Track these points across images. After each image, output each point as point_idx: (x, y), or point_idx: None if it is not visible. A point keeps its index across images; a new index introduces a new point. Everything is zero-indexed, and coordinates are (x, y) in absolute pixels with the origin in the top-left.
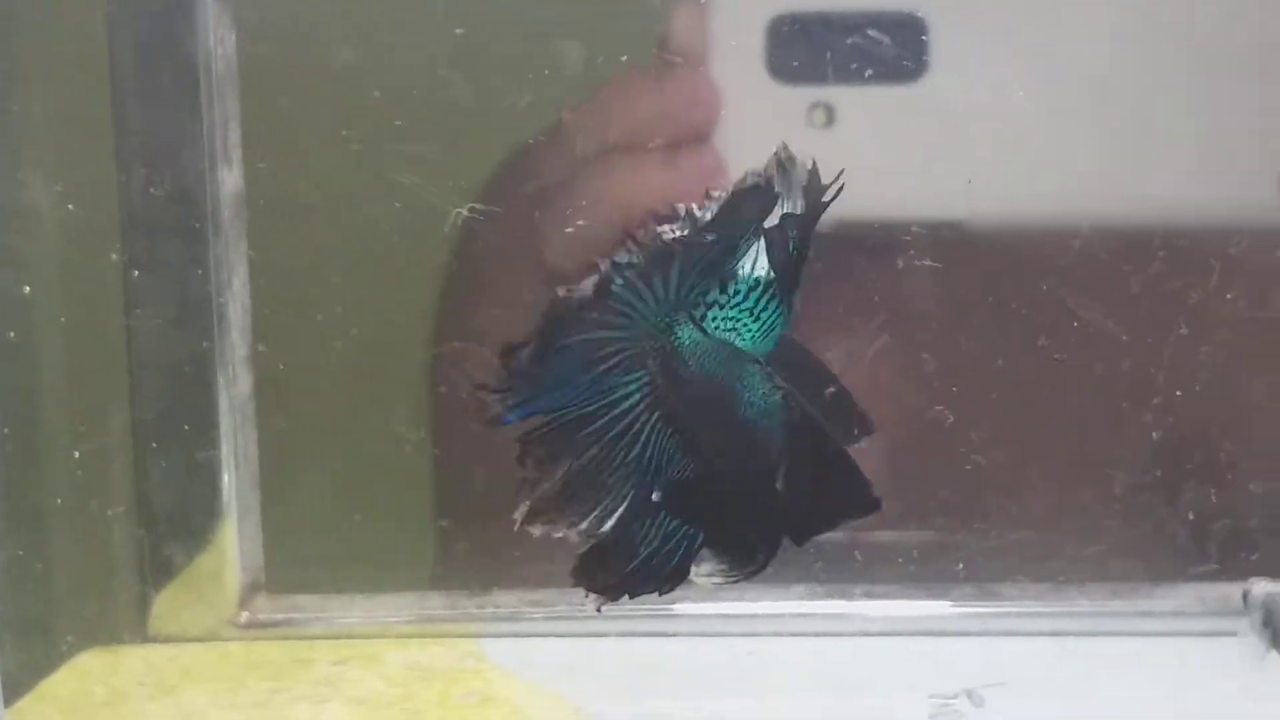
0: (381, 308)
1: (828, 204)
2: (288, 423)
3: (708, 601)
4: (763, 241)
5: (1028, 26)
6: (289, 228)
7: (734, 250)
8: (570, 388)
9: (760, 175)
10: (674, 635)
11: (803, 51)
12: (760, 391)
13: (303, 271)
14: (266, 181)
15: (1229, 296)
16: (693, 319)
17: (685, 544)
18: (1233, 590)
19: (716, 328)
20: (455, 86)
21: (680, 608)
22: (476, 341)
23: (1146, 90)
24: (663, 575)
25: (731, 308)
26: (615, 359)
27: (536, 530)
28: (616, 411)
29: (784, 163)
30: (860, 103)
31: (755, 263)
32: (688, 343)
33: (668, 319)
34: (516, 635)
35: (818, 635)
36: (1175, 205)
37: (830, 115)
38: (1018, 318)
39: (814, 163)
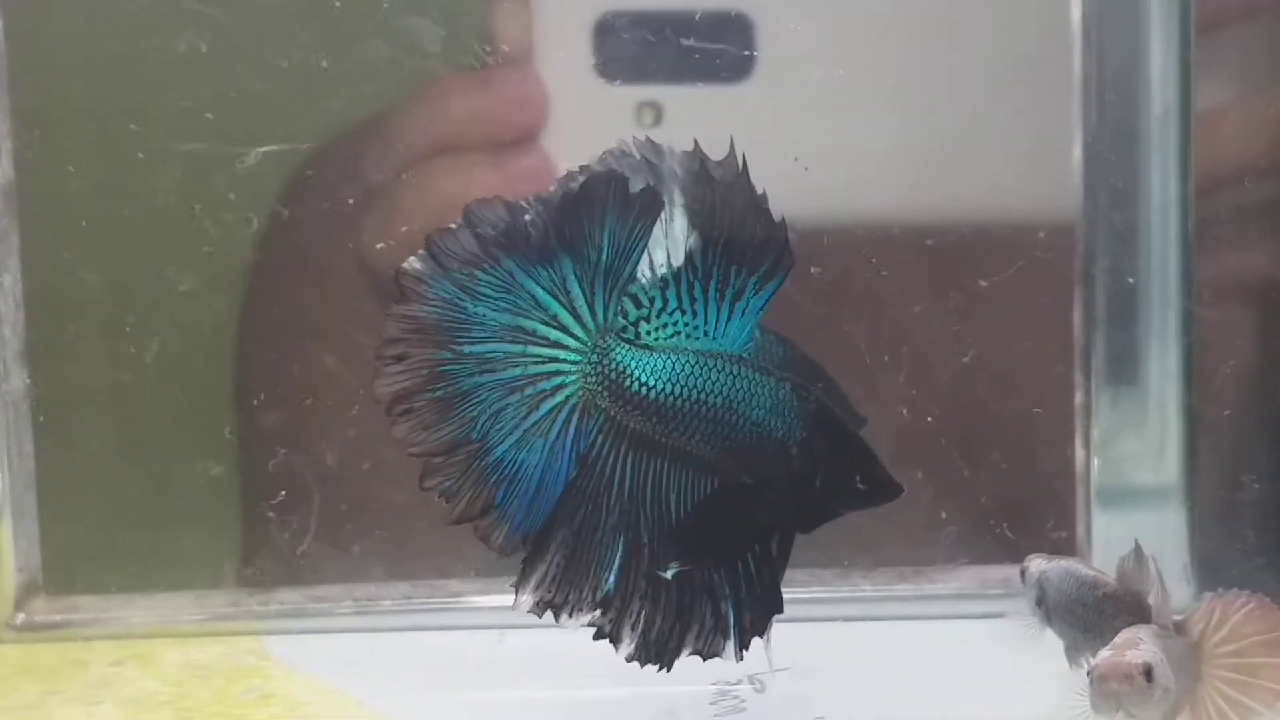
0: (171, 301)
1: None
2: (66, 420)
3: (492, 594)
4: (663, 242)
5: (853, 28)
6: (64, 220)
7: (627, 257)
8: (548, 482)
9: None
10: (457, 629)
11: (630, 51)
12: (766, 388)
13: (82, 263)
14: (39, 172)
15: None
16: (625, 339)
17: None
18: (1013, 572)
19: (657, 339)
20: (251, 72)
21: (463, 600)
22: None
23: (964, 92)
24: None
25: (657, 315)
26: (564, 416)
27: (567, 624)
28: (586, 464)
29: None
30: (688, 102)
31: (653, 263)
32: (634, 363)
33: (597, 351)
34: (300, 632)
35: None
36: (983, 204)
37: (658, 114)
38: (817, 311)
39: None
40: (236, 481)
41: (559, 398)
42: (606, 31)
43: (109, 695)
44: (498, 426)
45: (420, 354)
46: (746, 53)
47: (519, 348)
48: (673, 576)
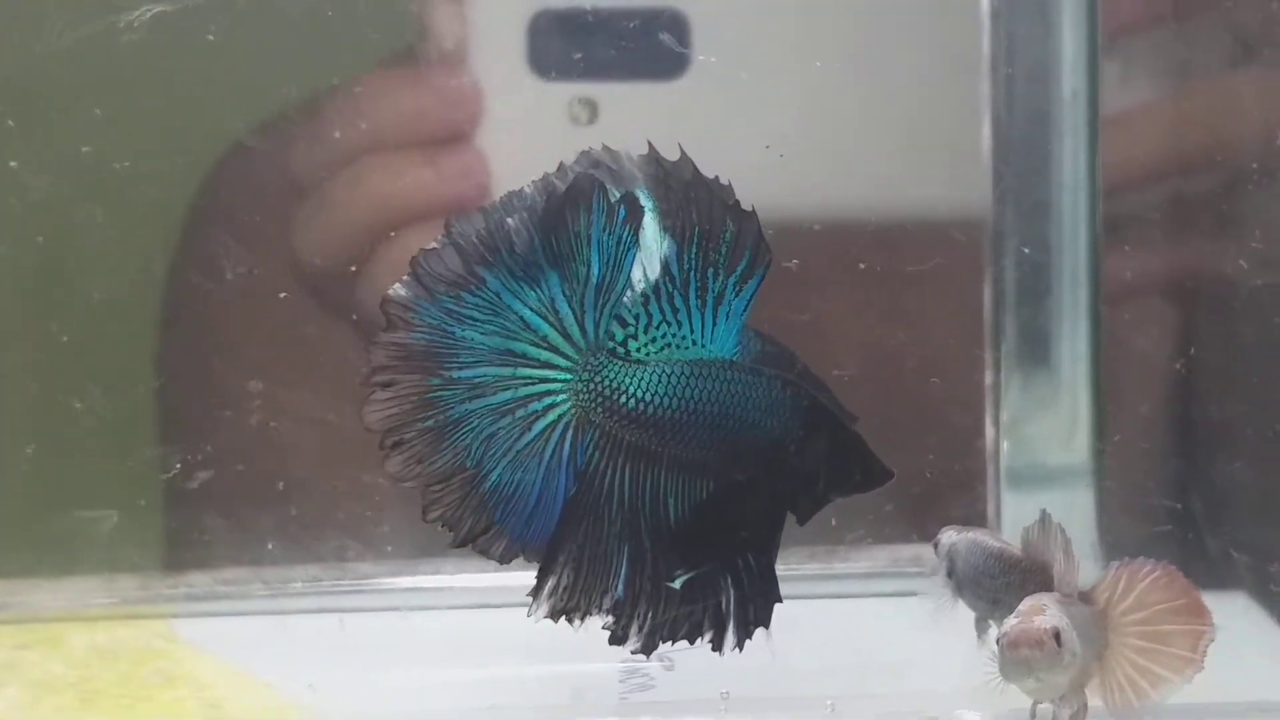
0: (85, 280)
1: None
2: None
3: (401, 575)
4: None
5: (787, 27)
6: None
7: (618, 268)
8: (546, 498)
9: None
10: (367, 610)
11: (565, 48)
12: (759, 389)
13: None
14: None
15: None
16: (617, 355)
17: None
18: (924, 551)
19: (647, 354)
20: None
21: (373, 582)
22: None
23: (873, 74)
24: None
25: (644, 331)
26: (558, 435)
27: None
28: (584, 479)
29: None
30: (622, 99)
31: (635, 280)
32: (627, 379)
33: (588, 369)
34: (209, 615)
35: (511, 606)
36: (891, 186)
37: (593, 111)
38: None
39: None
40: (145, 465)
41: (551, 417)
42: (541, 28)
43: (14, 678)
44: (491, 452)
45: (408, 381)
46: (684, 51)
47: (509, 370)
48: (680, 585)
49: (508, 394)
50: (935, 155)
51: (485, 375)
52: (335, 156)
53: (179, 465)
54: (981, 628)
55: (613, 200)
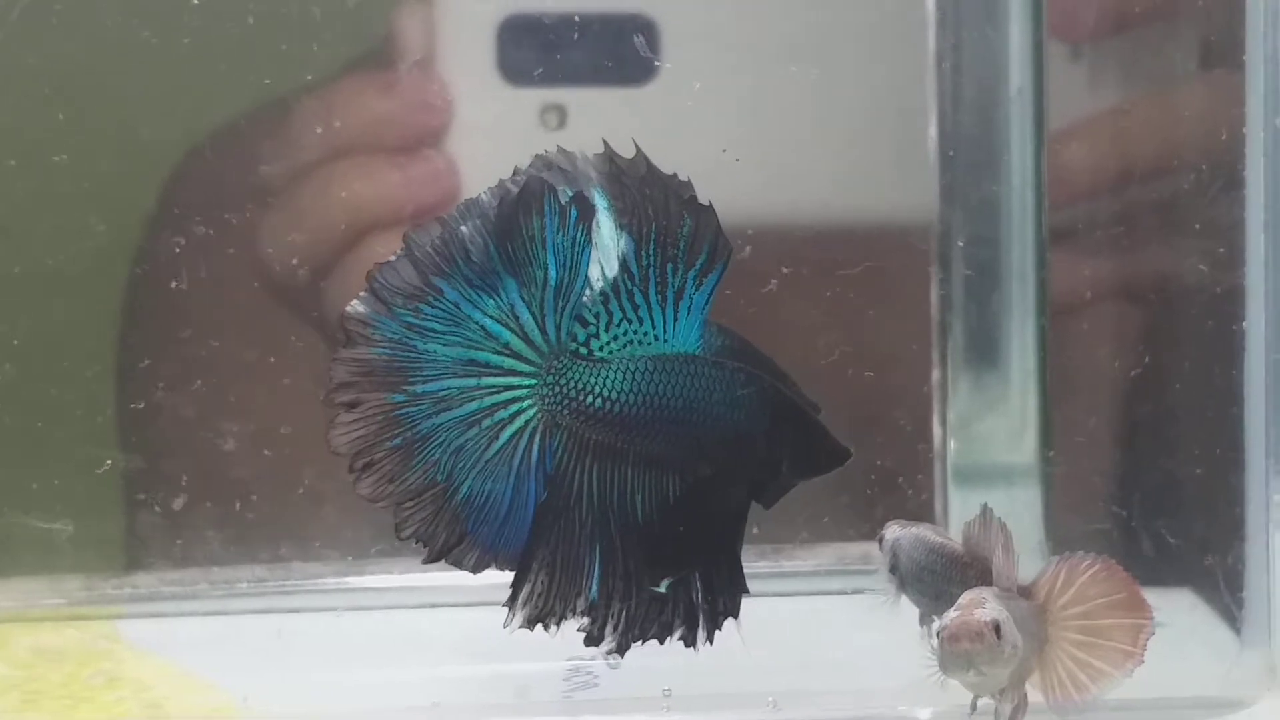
0: (41, 284)
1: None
2: None
3: (347, 575)
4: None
5: (755, 33)
6: None
7: (575, 270)
8: (518, 504)
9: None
10: (312, 610)
11: (534, 54)
12: (722, 382)
13: None
14: None
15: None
16: (580, 356)
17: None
18: (871, 549)
19: (610, 352)
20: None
21: (319, 582)
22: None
23: (819, 71)
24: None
25: (606, 329)
26: (526, 440)
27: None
28: (554, 481)
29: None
30: (592, 105)
31: (594, 279)
32: (591, 379)
33: (552, 373)
34: (155, 615)
35: (456, 605)
36: (838, 185)
37: (562, 117)
38: None
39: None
40: (91, 466)
41: (518, 423)
42: (510, 34)
43: None
44: (461, 464)
45: (373, 399)
46: (652, 57)
47: (473, 381)
48: (666, 589)
49: (473, 404)
50: (880, 152)
51: (450, 388)
52: (304, 162)
53: (109, 462)
54: (926, 623)
55: (564, 201)
